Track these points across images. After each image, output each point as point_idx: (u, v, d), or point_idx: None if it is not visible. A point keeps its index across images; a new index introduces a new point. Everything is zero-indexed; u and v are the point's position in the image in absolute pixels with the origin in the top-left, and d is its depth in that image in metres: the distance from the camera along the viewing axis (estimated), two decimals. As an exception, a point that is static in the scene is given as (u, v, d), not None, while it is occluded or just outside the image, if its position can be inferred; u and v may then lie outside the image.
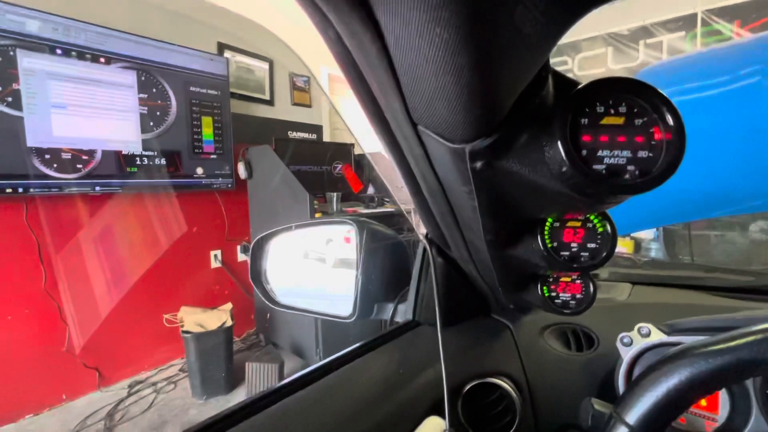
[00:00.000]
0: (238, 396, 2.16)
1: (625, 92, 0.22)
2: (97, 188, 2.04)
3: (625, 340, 0.49)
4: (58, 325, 2.01)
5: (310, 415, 0.42)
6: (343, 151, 2.97)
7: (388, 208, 2.73)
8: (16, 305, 1.90)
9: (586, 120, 0.22)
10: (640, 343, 0.48)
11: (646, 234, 2.65)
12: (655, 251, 2.66)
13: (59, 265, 2.00)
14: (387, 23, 0.18)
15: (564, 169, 0.22)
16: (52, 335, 2.00)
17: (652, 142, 0.22)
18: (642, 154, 0.22)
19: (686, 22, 3.12)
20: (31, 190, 1.84)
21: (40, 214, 1.94)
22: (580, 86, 0.23)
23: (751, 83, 0.95)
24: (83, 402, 2.07)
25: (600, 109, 0.22)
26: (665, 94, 0.22)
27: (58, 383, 2.02)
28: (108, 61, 2.03)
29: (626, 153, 0.22)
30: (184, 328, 2.08)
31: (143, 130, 2.19)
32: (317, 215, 2.28)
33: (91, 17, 1.98)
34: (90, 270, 2.10)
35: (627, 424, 0.30)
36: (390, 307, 0.61)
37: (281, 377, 2.07)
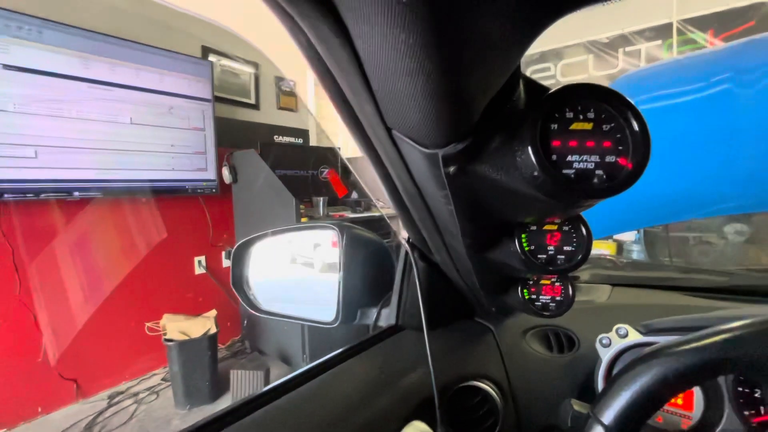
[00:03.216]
0: (223, 405, 2.10)
1: (593, 98, 0.23)
2: (76, 193, 1.99)
3: (604, 341, 0.50)
4: (33, 335, 1.94)
5: (293, 422, 0.41)
6: (330, 155, 2.96)
7: (375, 213, 2.73)
8: (-11, 315, 1.83)
9: (556, 125, 0.23)
10: (618, 344, 0.49)
11: (628, 236, 2.71)
12: (637, 253, 2.72)
13: (34, 272, 1.93)
14: (355, 29, 0.18)
15: (535, 173, 0.22)
16: (27, 345, 1.93)
17: (619, 147, 0.22)
18: (610, 158, 0.22)
19: (663, 31, 3.22)
20: (5, 195, 1.78)
21: (14, 220, 1.87)
22: (550, 92, 0.23)
23: (722, 90, 0.98)
24: (60, 414, 2.00)
25: (569, 115, 0.23)
26: (631, 101, 0.23)
27: (34, 395, 1.95)
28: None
29: (594, 157, 0.22)
30: (167, 336, 2.03)
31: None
32: (303, 220, 2.26)
33: (69, 17, 1.94)
34: (67, 277, 2.03)
35: (602, 424, 0.30)
36: (373, 311, 0.61)
37: (267, 384, 2.04)
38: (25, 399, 1.92)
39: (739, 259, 2.26)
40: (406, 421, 0.43)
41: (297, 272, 0.70)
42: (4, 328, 1.86)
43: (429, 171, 0.27)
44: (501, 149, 0.24)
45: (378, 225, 2.58)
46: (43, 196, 1.89)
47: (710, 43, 3.05)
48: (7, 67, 1.75)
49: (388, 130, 0.26)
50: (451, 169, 0.25)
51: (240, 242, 0.66)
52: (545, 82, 0.24)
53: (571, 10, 0.18)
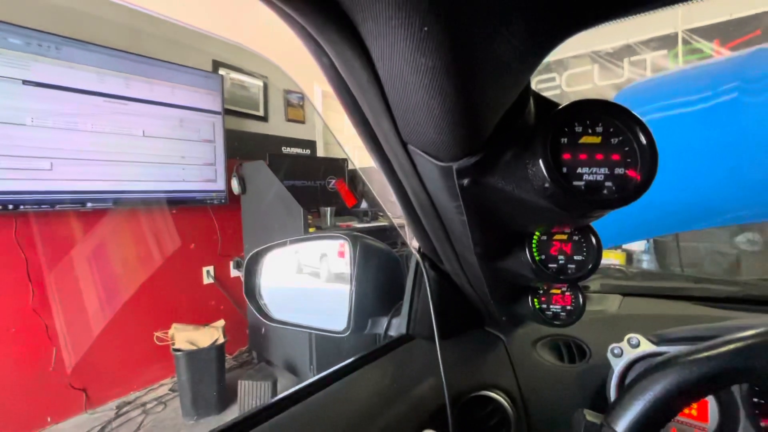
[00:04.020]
0: (230, 415, 2.11)
1: (602, 113, 0.24)
2: (89, 204, 2.03)
3: (616, 351, 0.50)
4: (44, 345, 1.96)
5: (307, 430, 0.42)
6: (337, 166, 2.99)
7: (382, 222, 2.74)
8: (2, 324, 1.85)
9: (566, 139, 0.24)
10: (630, 354, 0.49)
11: (638, 246, 2.69)
12: (647, 262, 2.69)
13: (47, 282, 1.96)
14: (376, 52, 0.19)
15: (546, 185, 0.23)
16: (39, 355, 1.95)
17: (628, 160, 0.23)
18: (618, 170, 0.23)
19: (668, 41, 3.23)
20: (21, 207, 1.82)
21: (29, 231, 1.91)
22: (559, 107, 0.24)
23: (730, 99, 0.98)
24: (69, 425, 2.00)
25: (578, 129, 0.24)
26: (638, 115, 0.23)
27: (44, 405, 1.96)
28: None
29: (604, 170, 0.23)
30: (175, 346, 2.04)
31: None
32: (311, 230, 2.28)
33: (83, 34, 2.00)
34: (78, 288, 2.06)
35: None
36: (384, 321, 0.61)
37: (274, 395, 2.03)
38: (35, 409, 1.93)
39: (752, 269, 2.23)
40: (419, 430, 0.44)
41: (308, 282, 0.71)
42: (16, 338, 1.88)
43: (443, 183, 0.28)
44: (513, 162, 0.25)
45: (384, 234, 2.58)
46: (58, 207, 1.93)
47: (716, 53, 3.05)
48: (26, 82, 1.81)
49: (404, 144, 0.27)
50: (465, 181, 0.26)
51: (253, 252, 0.67)
52: (550, 92, 0.26)
53: (579, 30, 0.19)
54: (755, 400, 0.43)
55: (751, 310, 0.68)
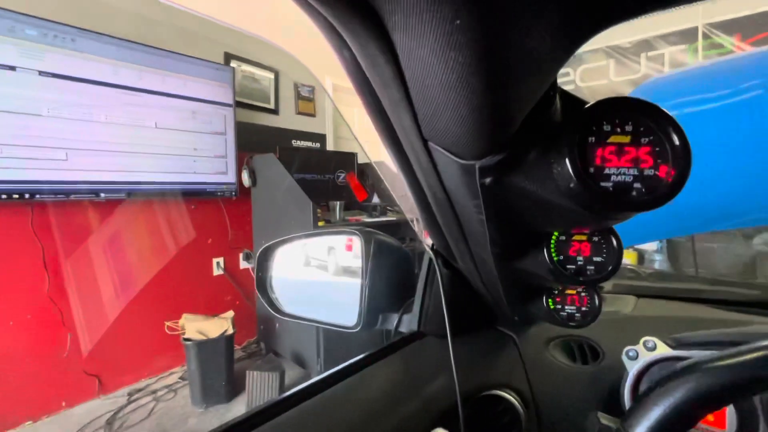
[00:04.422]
0: (238, 405, 2.14)
1: (632, 111, 0.23)
2: (102, 194, 2.06)
3: (631, 354, 0.49)
4: (59, 332, 2.01)
5: (316, 426, 0.42)
6: (347, 159, 2.99)
7: (391, 218, 2.74)
8: (18, 310, 1.90)
9: (594, 138, 0.23)
10: (645, 357, 0.48)
11: (650, 246, 2.64)
12: (659, 263, 2.65)
13: (62, 271, 2.00)
14: (402, 46, 0.18)
15: (572, 185, 0.22)
16: (54, 341, 2.00)
17: (659, 160, 0.22)
18: (648, 172, 0.22)
19: (687, 36, 3.15)
20: (37, 196, 1.85)
21: (45, 220, 1.95)
22: (587, 105, 0.23)
23: (753, 96, 0.95)
24: (82, 409, 2.06)
25: (607, 128, 0.23)
26: (670, 114, 0.22)
27: (58, 390, 2.02)
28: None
29: (633, 171, 0.22)
30: (185, 336, 2.08)
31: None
32: (320, 224, 2.28)
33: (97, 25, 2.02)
34: (93, 276, 2.10)
35: None
36: (395, 317, 0.61)
37: (282, 386, 2.06)
38: (49, 393, 1.99)
39: (768, 272, 2.18)
40: (430, 428, 0.44)
41: (319, 276, 0.71)
42: (32, 325, 1.93)
43: (463, 181, 0.27)
44: (538, 161, 0.24)
45: (394, 230, 2.58)
46: (72, 197, 1.96)
47: (737, 48, 2.96)
48: (42, 73, 1.84)
49: (425, 141, 0.26)
50: (487, 180, 0.25)
51: (265, 246, 0.67)
52: (564, 88, 0.25)
53: (612, 24, 0.18)
54: (776, 407, 0.42)
55: None
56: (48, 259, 1.96)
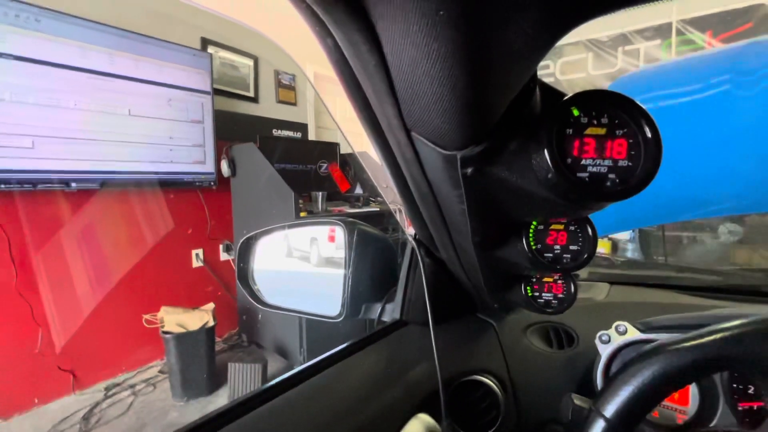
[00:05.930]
0: (220, 397, 2.13)
1: (608, 104, 0.24)
2: (73, 184, 1.97)
3: (604, 338, 0.52)
4: (29, 327, 1.93)
5: (300, 415, 0.42)
6: (329, 150, 2.96)
7: (374, 208, 2.74)
8: (-16, 305, 1.82)
9: (571, 130, 0.23)
10: (617, 341, 0.50)
11: (623, 235, 2.74)
12: (632, 252, 2.75)
13: (31, 263, 1.92)
14: (386, 36, 0.18)
15: (550, 176, 0.23)
16: (24, 337, 1.92)
17: (632, 152, 0.23)
18: (622, 163, 0.23)
19: (662, 31, 3.24)
20: (2, 186, 1.76)
21: (11, 211, 1.86)
22: (565, 97, 0.24)
23: (721, 91, 0.99)
24: (56, 406, 2.00)
25: (584, 120, 0.24)
26: (644, 107, 0.23)
27: (30, 387, 1.95)
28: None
29: (608, 162, 0.23)
30: (165, 329, 2.04)
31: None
32: (302, 214, 2.26)
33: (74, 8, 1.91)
34: (65, 269, 2.02)
35: (604, 417, 0.32)
36: (377, 306, 0.62)
37: (265, 378, 2.05)
38: (20, 390, 1.92)
39: (731, 259, 2.30)
40: (412, 413, 0.45)
41: (302, 267, 0.71)
42: (0, 319, 1.85)
43: (445, 171, 0.28)
44: (517, 152, 0.25)
45: (377, 220, 2.59)
46: (40, 186, 1.87)
47: (708, 44, 3.06)
48: (3, 55, 1.73)
49: (408, 131, 0.26)
50: (468, 170, 0.26)
51: (246, 236, 0.66)
52: (544, 80, 0.25)
53: (591, 17, 0.19)
54: (735, 385, 0.45)
55: (733, 299, 0.71)
56: (15, 251, 1.87)
